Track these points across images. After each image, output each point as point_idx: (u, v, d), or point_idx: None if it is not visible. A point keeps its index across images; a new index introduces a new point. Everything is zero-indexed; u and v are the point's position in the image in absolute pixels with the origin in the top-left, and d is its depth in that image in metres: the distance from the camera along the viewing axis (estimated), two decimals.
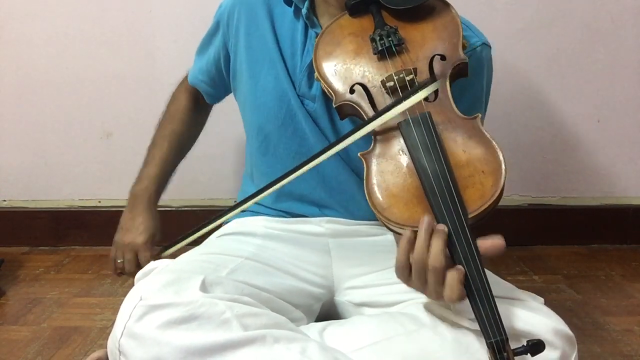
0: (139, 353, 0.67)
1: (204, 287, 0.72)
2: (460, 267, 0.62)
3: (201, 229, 0.90)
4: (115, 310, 0.71)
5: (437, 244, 0.63)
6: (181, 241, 0.93)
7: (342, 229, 0.95)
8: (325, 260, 0.94)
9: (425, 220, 0.64)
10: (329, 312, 0.95)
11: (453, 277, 0.62)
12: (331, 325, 0.81)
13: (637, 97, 1.56)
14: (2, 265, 1.45)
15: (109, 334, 0.72)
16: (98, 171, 1.62)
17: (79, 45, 1.55)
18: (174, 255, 0.91)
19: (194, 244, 0.93)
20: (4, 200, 1.66)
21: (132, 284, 0.76)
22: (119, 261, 1.01)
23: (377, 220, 0.96)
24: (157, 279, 0.73)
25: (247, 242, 0.92)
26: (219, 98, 1.12)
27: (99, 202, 1.65)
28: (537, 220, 1.62)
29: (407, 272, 0.67)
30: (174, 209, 1.61)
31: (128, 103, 1.58)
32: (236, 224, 1.01)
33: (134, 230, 1.01)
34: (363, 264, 0.92)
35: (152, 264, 0.83)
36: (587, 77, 1.54)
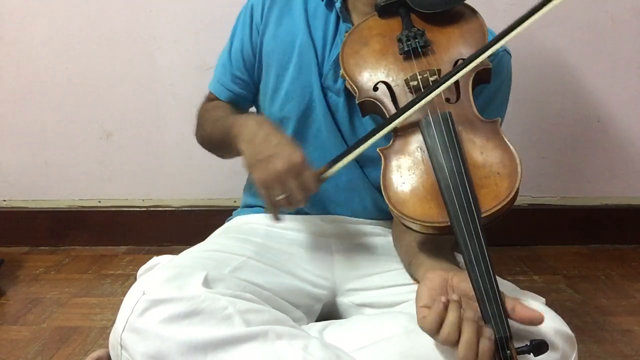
0: (141, 347, 0.67)
1: (207, 283, 0.72)
2: (491, 335, 0.60)
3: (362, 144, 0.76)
4: (115, 310, 0.71)
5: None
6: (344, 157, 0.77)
7: (345, 227, 0.95)
8: (327, 262, 0.94)
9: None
10: (330, 312, 0.95)
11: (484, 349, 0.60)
12: (331, 325, 0.81)
13: (637, 97, 1.56)
14: (2, 265, 1.45)
15: (109, 334, 0.73)
16: (98, 171, 1.62)
17: (79, 45, 1.55)
18: None
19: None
20: (4, 200, 1.66)
21: (132, 284, 0.76)
22: (279, 198, 0.75)
23: (379, 220, 0.97)
24: (160, 274, 0.73)
25: (249, 240, 0.92)
26: (253, 100, 1.04)
27: (99, 202, 1.64)
28: (537, 220, 1.63)
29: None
30: (174, 208, 1.61)
31: (128, 103, 1.58)
32: (239, 221, 1.01)
33: (284, 149, 0.75)
34: (365, 265, 0.92)
35: (155, 259, 0.83)
36: (587, 77, 1.54)
